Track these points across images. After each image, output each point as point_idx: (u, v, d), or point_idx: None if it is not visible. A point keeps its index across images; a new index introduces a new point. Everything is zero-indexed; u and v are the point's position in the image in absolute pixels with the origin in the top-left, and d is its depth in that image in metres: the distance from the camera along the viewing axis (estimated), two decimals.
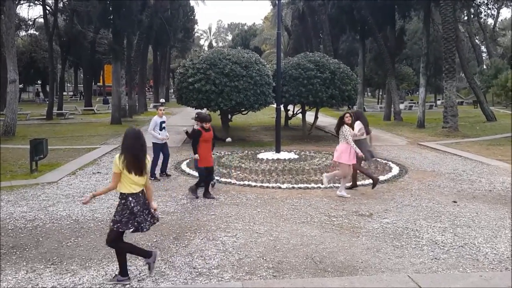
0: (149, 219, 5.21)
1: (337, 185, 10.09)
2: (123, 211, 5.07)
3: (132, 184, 5.07)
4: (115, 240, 5.17)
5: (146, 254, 5.31)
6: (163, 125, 11.23)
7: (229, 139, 10.28)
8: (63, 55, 35.37)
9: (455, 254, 6.17)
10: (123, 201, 5.09)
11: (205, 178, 9.27)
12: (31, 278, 5.37)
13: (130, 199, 5.06)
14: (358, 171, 9.94)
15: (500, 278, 5.27)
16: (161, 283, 5.26)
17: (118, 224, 5.07)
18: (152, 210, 5.25)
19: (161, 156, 11.27)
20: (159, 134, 11.09)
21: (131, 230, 5.13)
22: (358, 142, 9.49)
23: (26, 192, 9.52)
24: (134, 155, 5.05)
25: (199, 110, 9.65)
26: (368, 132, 10.15)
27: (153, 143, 10.98)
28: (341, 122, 9.36)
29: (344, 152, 9.20)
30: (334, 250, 6.28)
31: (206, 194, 9.16)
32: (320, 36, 42.13)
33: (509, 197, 9.34)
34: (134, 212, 5.06)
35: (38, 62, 48.11)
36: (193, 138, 9.16)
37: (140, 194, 5.15)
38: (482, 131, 22.57)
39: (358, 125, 9.83)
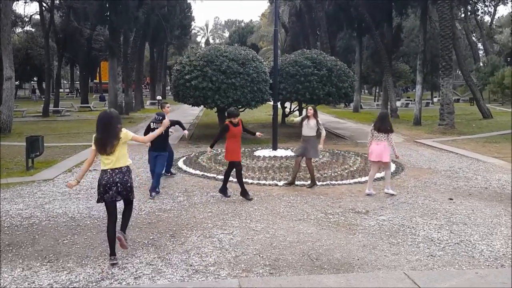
0: (115, 193, 5.73)
1: (333, 182, 10.14)
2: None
3: (103, 160, 5.78)
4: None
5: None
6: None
7: (260, 134, 9.89)
8: (59, 52, 35.23)
9: (451, 251, 6.19)
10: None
11: (229, 175, 9.10)
12: (27, 275, 5.36)
13: (101, 174, 5.82)
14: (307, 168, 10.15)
15: (496, 275, 5.29)
16: (157, 280, 5.26)
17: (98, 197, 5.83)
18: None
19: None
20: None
21: (97, 200, 5.88)
22: (307, 139, 9.84)
23: (22, 190, 9.49)
24: (98, 135, 5.71)
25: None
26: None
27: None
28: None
29: (384, 152, 9.10)
30: (330, 247, 6.30)
31: (244, 194, 8.88)
32: (317, 33, 42.09)
33: (505, 195, 9.38)
34: (102, 184, 5.73)
35: (34, 59, 47.96)
36: (220, 132, 9.04)
37: (109, 170, 5.71)
38: (479, 128, 22.63)
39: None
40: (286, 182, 10.17)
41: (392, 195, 9.14)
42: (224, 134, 8.92)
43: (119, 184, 5.69)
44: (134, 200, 6.19)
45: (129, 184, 5.80)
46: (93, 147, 5.81)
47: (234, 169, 8.99)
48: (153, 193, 8.97)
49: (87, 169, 6.14)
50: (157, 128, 8.31)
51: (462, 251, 6.18)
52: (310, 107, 9.95)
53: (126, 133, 5.76)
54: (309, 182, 10.02)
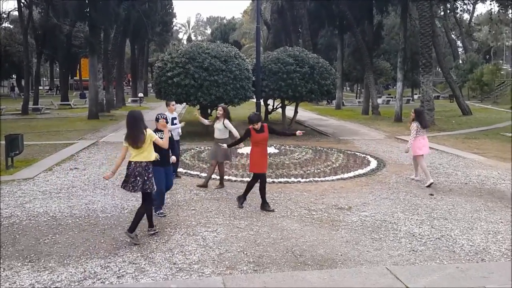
0: (139, 184, 6.33)
1: (316, 179, 10.19)
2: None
3: (132, 153, 6.40)
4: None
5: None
6: (175, 121, 10.32)
7: (300, 132, 8.41)
8: (38, 48, 34.65)
9: (432, 246, 6.28)
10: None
11: (255, 185, 8.09)
12: (8, 276, 5.28)
13: (128, 164, 6.44)
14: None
15: (476, 269, 5.38)
16: (141, 279, 5.23)
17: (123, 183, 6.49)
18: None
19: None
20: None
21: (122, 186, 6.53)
22: (216, 142, 9.25)
23: (1, 189, 9.33)
24: (129, 132, 6.38)
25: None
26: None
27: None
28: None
29: (422, 146, 10.15)
30: (314, 243, 6.33)
31: (264, 206, 7.97)
32: (299, 31, 42.19)
33: (484, 190, 9.54)
34: (127, 175, 6.36)
35: (12, 56, 47.12)
36: (242, 136, 8.18)
37: (133, 164, 6.36)
38: (458, 124, 22.97)
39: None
40: (199, 184, 9.58)
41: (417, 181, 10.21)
42: (245, 139, 8.15)
43: (138, 178, 6.33)
44: (153, 193, 6.77)
45: (145, 177, 6.36)
46: (125, 143, 6.41)
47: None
48: (160, 211, 7.63)
49: (120, 163, 6.53)
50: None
51: (443, 246, 6.28)
52: (220, 107, 9.38)
53: (150, 133, 6.44)
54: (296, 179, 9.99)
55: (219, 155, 9.25)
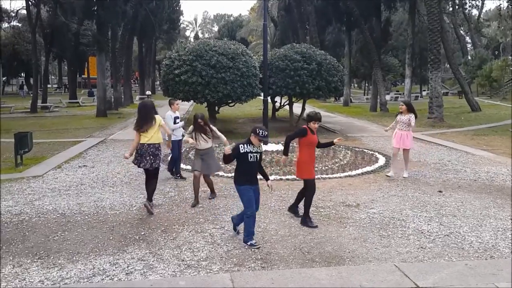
0: (149, 161, 7.57)
1: (323, 176, 10.17)
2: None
3: (142, 137, 7.60)
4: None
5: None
6: (177, 120, 10.16)
7: (339, 140, 7.60)
8: (46, 47, 34.86)
9: (440, 243, 6.25)
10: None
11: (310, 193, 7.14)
12: (18, 272, 5.32)
13: (139, 146, 7.59)
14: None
15: (485, 267, 5.35)
16: (149, 275, 5.26)
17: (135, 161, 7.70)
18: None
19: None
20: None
21: (134, 162, 7.75)
22: (202, 153, 8.22)
23: (11, 186, 9.41)
24: (139, 118, 7.74)
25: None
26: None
27: (172, 140, 9.70)
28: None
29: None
30: (321, 240, 6.33)
31: (293, 209, 7.46)
32: (307, 28, 42.06)
33: (493, 187, 9.48)
34: (140, 155, 7.57)
35: (21, 54, 47.42)
36: (294, 134, 7.18)
37: (146, 145, 7.55)
38: (467, 121, 22.81)
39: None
40: (192, 204, 8.09)
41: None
42: (296, 138, 7.11)
43: (151, 156, 7.57)
44: (159, 169, 8.02)
45: (158, 156, 7.68)
46: (135, 129, 7.74)
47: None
48: (252, 241, 6.21)
49: (135, 146, 7.63)
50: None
51: (451, 243, 6.24)
52: (200, 120, 8.12)
53: (159, 118, 7.79)
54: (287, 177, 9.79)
55: (204, 167, 8.19)
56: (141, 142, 7.59)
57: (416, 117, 10.56)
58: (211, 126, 8.30)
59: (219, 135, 8.32)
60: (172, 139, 9.59)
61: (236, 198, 8.52)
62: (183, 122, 10.76)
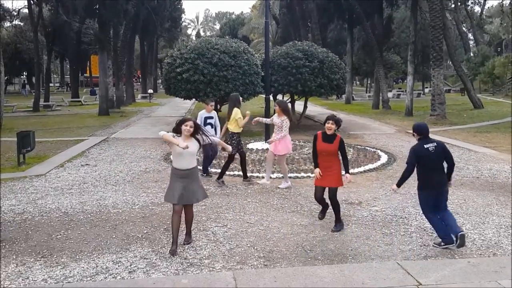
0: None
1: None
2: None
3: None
4: None
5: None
6: (208, 120, 9.94)
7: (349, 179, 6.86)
8: (48, 46, 34.90)
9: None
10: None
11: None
12: (21, 271, 5.34)
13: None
14: None
15: (488, 264, 5.35)
16: (152, 274, 5.27)
17: None
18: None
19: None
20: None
21: None
22: (184, 175, 5.93)
23: (14, 185, 9.43)
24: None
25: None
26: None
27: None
28: None
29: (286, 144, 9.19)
30: (324, 238, 6.33)
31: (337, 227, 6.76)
32: (308, 25, 42.02)
33: (496, 184, 9.46)
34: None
35: (23, 53, 47.42)
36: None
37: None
38: (469, 118, 22.77)
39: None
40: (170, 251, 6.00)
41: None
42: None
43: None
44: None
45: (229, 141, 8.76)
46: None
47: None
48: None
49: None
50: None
51: None
52: (191, 122, 5.90)
53: (236, 112, 9.17)
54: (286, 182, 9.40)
55: (188, 195, 5.91)
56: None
57: (290, 121, 9.18)
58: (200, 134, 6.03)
59: (212, 138, 6.51)
60: None
61: (238, 196, 8.54)
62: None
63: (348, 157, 12.10)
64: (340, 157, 6.64)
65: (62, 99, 35.88)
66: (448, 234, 5.88)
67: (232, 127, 9.36)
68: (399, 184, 6.17)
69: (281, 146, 9.05)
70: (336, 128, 6.51)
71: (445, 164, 6.09)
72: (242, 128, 9.50)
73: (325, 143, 6.52)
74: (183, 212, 5.96)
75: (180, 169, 5.87)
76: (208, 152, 10.07)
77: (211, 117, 10.07)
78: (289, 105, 9.87)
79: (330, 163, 6.56)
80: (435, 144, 6.02)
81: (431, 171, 5.97)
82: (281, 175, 9.86)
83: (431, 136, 6.24)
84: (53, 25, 33.35)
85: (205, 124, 9.83)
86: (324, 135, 6.56)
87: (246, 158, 11.60)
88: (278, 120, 9.03)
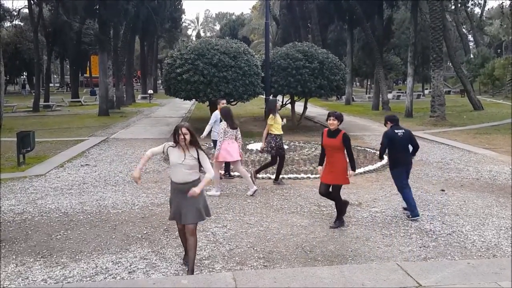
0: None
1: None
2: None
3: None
4: None
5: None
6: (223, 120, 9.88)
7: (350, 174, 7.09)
8: (48, 46, 34.91)
9: (443, 242, 6.25)
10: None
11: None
12: (21, 271, 5.34)
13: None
14: None
15: (488, 265, 5.34)
16: (152, 274, 5.26)
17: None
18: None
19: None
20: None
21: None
22: (181, 188, 5.20)
23: (14, 185, 9.43)
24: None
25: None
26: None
27: (213, 140, 10.06)
28: None
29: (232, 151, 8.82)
30: (324, 239, 6.33)
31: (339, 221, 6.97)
32: (309, 26, 42.07)
33: (496, 185, 9.46)
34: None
35: (23, 53, 47.49)
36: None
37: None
38: (469, 120, 22.77)
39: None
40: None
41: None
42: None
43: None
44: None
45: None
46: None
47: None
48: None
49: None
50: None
51: (454, 242, 6.24)
52: (184, 128, 5.05)
53: (270, 117, 9.37)
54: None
55: (190, 214, 5.18)
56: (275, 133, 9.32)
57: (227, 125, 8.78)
58: (200, 150, 5.15)
59: (206, 166, 5.15)
60: (213, 139, 9.93)
61: (237, 197, 8.54)
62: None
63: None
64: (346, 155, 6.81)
65: (62, 99, 35.89)
66: (416, 208, 7.20)
67: (276, 129, 9.46)
68: (380, 156, 7.68)
69: (235, 151, 8.76)
70: (338, 123, 6.72)
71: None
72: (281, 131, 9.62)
73: (330, 138, 6.73)
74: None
75: (175, 182, 5.21)
76: None
77: None
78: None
79: (334, 158, 6.71)
80: (403, 130, 7.28)
81: (399, 152, 7.20)
82: (281, 177, 9.87)
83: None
84: (53, 25, 33.34)
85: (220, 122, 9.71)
86: (329, 131, 6.77)
87: (246, 159, 11.61)
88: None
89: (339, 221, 6.88)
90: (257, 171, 9.67)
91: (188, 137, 5.03)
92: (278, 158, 9.55)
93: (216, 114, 10.03)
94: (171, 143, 5.20)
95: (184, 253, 5.59)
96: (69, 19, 30.05)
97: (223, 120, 8.98)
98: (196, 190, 4.97)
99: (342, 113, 6.96)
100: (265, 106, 9.73)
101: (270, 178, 10.06)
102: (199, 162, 5.12)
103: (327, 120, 6.78)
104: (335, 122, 6.67)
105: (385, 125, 7.54)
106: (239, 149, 8.85)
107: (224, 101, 10.19)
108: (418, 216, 7.13)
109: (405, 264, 5.38)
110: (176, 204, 5.23)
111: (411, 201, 7.20)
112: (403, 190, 7.27)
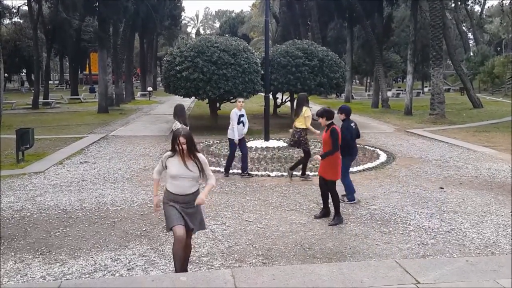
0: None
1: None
2: None
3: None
4: None
5: None
6: (242, 119, 9.98)
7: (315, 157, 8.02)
8: (48, 43, 34.84)
9: (442, 239, 6.25)
10: None
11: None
12: (20, 268, 5.34)
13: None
14: None
15: (486, 263, 5.35)
16: (150, 271, 5.27)
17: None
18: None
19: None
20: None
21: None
22: (189, 200, 4.94)
23: (13, 182, 9.43)
24: None
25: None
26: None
27: (229, 138, 10.07)
28: None
29: None
30: (322, 236, 6.33)
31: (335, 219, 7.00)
32: (308, 24, 42.01)
33: (495, 183, 9.47)
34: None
35: (23, 50, 47.43)
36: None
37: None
38: (469, 117, 22.77)
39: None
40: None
41: None
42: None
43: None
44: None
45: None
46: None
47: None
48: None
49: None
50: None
51: (453, 239, 6.24)
52: (182, 137, 4.69)
53: (304, 110, 9.44)
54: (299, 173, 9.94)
55: (196, 222, 4.98)
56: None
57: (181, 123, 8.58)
58: (197, 152, 4.86)
59: (208, 173, 4.95)
60: (229, 137, 9.99)
61: (236, 194, 8.54)
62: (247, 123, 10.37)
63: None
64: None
65: (61, 97, 35.85)
66: (354, 192, 8.03)
67: (300, 124, 9.64)
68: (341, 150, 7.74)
69: None
70: (326, 119, 7.15)
71: None
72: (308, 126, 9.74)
73: (324, 133, 7.19)
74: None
75: (174, 193, 4.86)
76: (234, 151, 10.09)
77: (243, 115, 10.05)
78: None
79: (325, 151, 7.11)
80: (354, 122, 7.92)
81: (353, 142, 7.82)
82: (280, 174, 9.89)
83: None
84: (53, 23, 33.28)
85: (239, 122, 9.90)
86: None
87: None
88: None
89: (337, 218, 6.91)
90: (303, 174, 9.81)
91: (185, 146, 4.70)
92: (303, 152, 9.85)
93: (236, 112, 9.97)
94: (169, 153, 4.90)
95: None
96: (68, 16, 30.05)
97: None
98: (203, 197, 4.81)
99: (327, 108, 7.45)
100: (298, 99, 10.06)
101: (269, 175, 10.06)
102: (200, 171, 4.82)
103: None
104: (322, 120, 7.19)
105: (339, 114, 7.88)
106: None
107: (242, 100, 10.31)
108: (354, 200, 7.92)
109: (403, 262, 5.38)
110: (178, 212, 4.84)
111: (352, 187, 8.00)
112: (347, 176, 7.96)
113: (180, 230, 4.72)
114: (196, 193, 4.89)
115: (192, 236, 5.19)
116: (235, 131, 9.86)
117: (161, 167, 5.02)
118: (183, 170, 4.75)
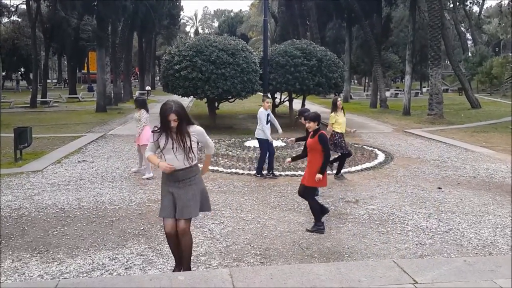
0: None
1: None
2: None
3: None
4: None
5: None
6: (269, 118, 9.92)
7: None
8: (46, 42, 34.80)
9: (439, 239, 6.26)
10: None
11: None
12: (17, 267, 5.33)
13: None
14: None
15: (484, 263, 5.36)
16: (148, 270, 5.26)
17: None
18: None
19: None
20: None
21: None
22: (175, 176, 4.74)
23: (10, 181, 9.41)
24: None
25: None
26: None
27: (258, 138, 9.97)
28: None
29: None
30: (320, 236, 6.33)
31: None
32: (307, 23, 41.98)
33: (493, 184, 9.48)
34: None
35: (21, 49, 47.42)
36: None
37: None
38: (467, 118, 22.81)
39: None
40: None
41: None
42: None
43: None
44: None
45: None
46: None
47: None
48: None
49: None
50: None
51: (450, 239, 6.25)
52: (173, 114, 4.52)
53: (331, 115, 9.82)
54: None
55: (187, 209, 4.67)
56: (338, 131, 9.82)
57: (147, 112, 9.96)
58: (191, 125, 4.75)
59: (206, 141, 4.99)
60: (259, 137, 9.91)
61: (235, 194, 8.54)
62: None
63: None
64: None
65: (59, 96, 35.81)
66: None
67: (335, 127, 9.99)
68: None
69: (140, 137, 9.77)
70: (311, 121, 6.54)
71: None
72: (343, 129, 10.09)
73: (310, 138, 6.64)
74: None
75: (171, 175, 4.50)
76: (265, 152, 9.93)
77: (269, 114, 9.99)
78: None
79: (310, 158, 6.62)
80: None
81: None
82: (285, 173, 9.95)
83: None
84: (51, 21, 33.24)
85: (266, 122, 9.85)
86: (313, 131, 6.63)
87: (244, 156, 11.63)
88: (136, 114, 9.99)
89: (316, 224, 6.52)
90: (337, 173, 9.87)
91: (176, 124, 4.37)
92: (341, 155, 9.87)
93: (263, 112, 9.90)
94: (157, 129, 4.54)
95: (175, 264, 4.99)
96: (67, 15, 29.99)
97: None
98: (204, 169, 4.58)
99: (318, 113, 6.72)
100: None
101: (263, 175, 10.05)
102: (194, 142, 4.54)
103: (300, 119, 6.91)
104: (306, 123, 6.72)
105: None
106: None
107: (270, 99, 10.26)
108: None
109: (401, 261, 5.38)
110: (171, 196, 4.58)
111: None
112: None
113: (167, 225, 4.65)
114: (194, 167, 4.64)
115: (195, 223, 5.18)
116: (265, 131, 9.73)
117: (154, 147, 4.72)
118: (175, 141, 4.46)
